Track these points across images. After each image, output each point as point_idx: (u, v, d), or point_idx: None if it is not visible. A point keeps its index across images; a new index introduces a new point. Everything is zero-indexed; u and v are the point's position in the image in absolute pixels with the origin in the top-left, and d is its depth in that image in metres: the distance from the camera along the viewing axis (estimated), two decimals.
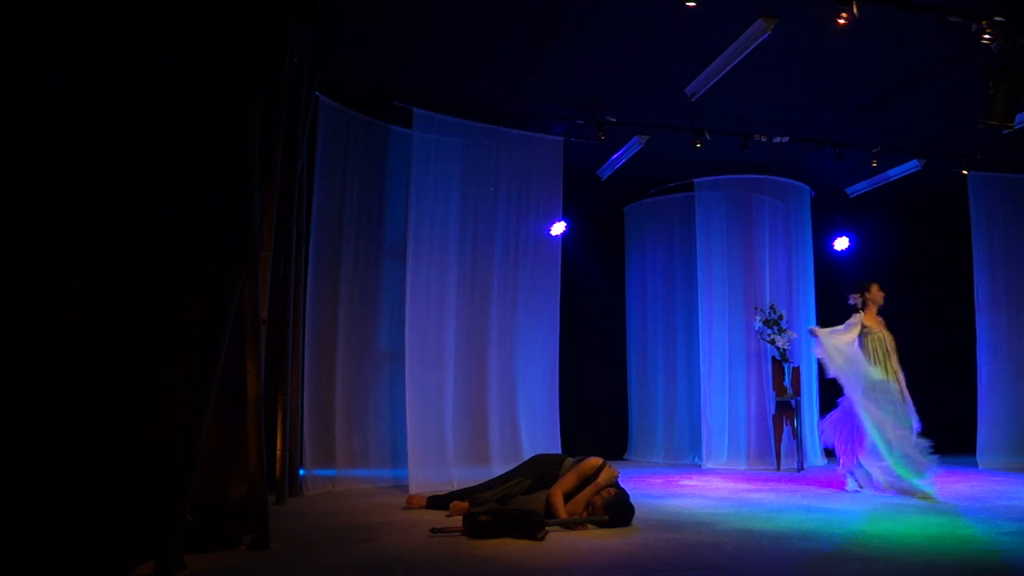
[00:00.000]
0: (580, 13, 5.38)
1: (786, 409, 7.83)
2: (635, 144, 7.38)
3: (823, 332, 6.03)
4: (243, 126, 3.68)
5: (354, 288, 6.43)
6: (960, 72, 6.15)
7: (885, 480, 5.70)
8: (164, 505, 3.00)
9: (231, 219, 3.63)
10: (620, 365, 9.51)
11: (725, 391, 8.10)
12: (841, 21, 4.95)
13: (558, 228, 7.29)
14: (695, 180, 8.47)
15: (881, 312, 6.15)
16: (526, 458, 5.54)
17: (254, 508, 3.68)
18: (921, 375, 6.61)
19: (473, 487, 5.08)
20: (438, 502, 4.97)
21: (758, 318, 7.89)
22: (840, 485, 6.03)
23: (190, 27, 3.58)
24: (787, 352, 7.83)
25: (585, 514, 4.37)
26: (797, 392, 7.84)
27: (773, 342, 7.81)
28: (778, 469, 7.65)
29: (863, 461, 5.85)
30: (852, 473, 5.92)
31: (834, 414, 6.02)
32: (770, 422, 7.91)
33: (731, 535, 4.05)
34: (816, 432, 8.31)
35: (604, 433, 9.17)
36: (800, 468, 7.61)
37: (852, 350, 5.95)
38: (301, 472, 5.73)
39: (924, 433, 5.76)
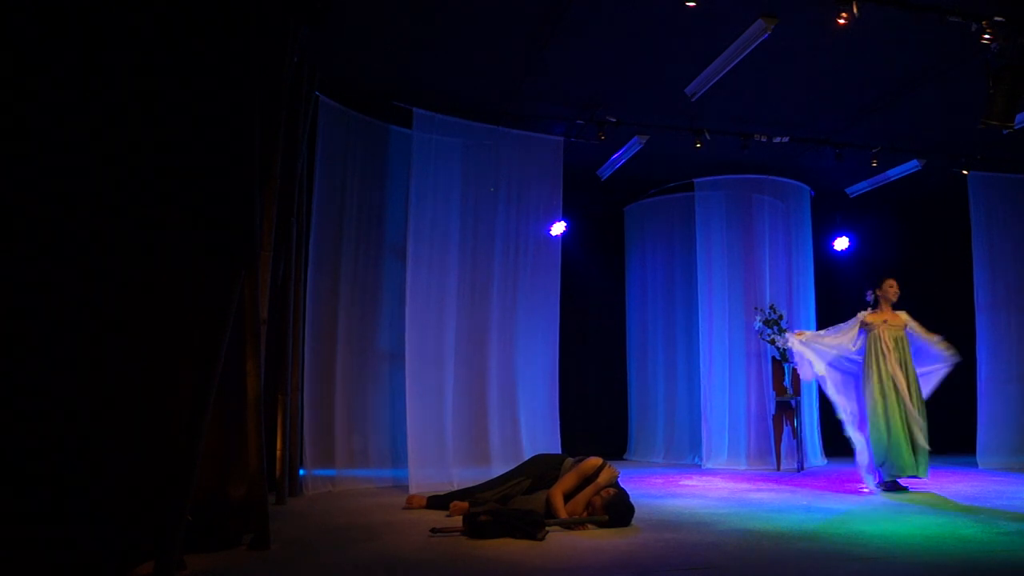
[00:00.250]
0: (580, 13, 5.38)
1: (786, 409, 7.83)
2: (635, 144, 7.38)
3: (802, 340, 6.15)
4: (243, 126, 3.68)
5: (354, 288, 6.43)
6: (960, 72, 6.15)
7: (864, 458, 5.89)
8: (164, 505, 3.00)
9: (231, 219, 3.63)
10: (620, 365, 9.52)
11: (725, 391, 8.10)
12: (841, 21, 4.95)
13: (558, 228, 7.29)
14: (695, 180, 8.48)
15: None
16: (526, 458, 5.54)
17: (254, 508, 3.68)
18: None
19: (473, 487, 5.08)
20: (438, 502, 4.97)
21: (758, 318, 7.89)
22: (842, 485, 6.03)
23: (190, 27, 3.58)
24: (787, 352, 7.81)
25: (585, 514, 4.37)
26: (797, 392, 7.84)
27: (773, 342, 7.81)
28: (778, 469, 7.65)
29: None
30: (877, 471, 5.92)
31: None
32: (770, 422, 7.91)
33: (731, 535, 4.05)
34: (816, 432, 8.33)
35: (604, 433, 9.17)
36: (800, 468, 7.61)
37: (831, 350, 6.08)
38: (301, 472, 5.73)
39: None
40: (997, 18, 5.12)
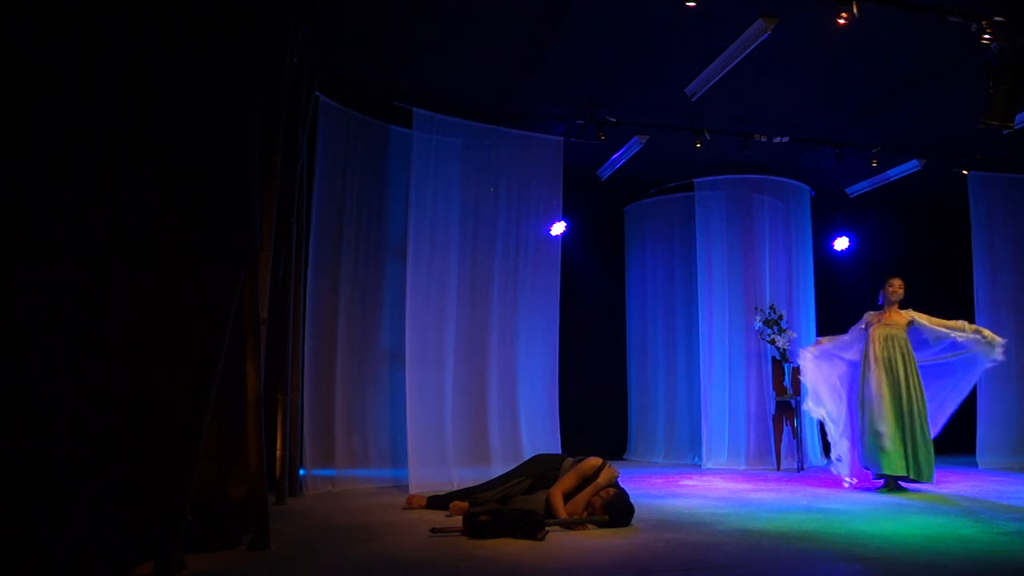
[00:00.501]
0: (580, 13, 5.38)
1: (786, 409, 7.83)
2: (635, 144, 7.38)
3: (815, 354, 6.19)
4: (243, 126, 3.68)
5: (354, 288, 6.43)
6: (960, 72, 6.15)
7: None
8: (164, 505, 3.00)
9: (231, 219, 3.63)
10: (620, 365, 9.52)
11: (725, 391, 8.10)
12: (841, 21, 4.95)
13: (558, 228, 7.29)
14: (695, 180, 8.48)
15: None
16: (526, 458, 5.54)
17: (254, 508, 3.68)
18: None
19: (473, 487, 5.08)
20: (438, 502, 4.97)
21: (758, 318, 7.89)
22: (842, 485, 6.03)
23: (190, 27, 3.58)
24: (787, 352, 7.83)
25: (585, 514, 4.37)
26: (797, 392, 7.83)
27: (773, 342, 7.81)
28: (778, 469, 7.66)
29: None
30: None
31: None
32: (770, 422, 7.91)
33: (731, 535, 4.05)
34: (816, 432, 8.32)
35: (604, 433, 9.17)
36: (800, 468, 7.61)
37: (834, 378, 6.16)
38: (301, 472, 5.72)
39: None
40: (997, 18, 5.12)
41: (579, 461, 4.66)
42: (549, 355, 7.11)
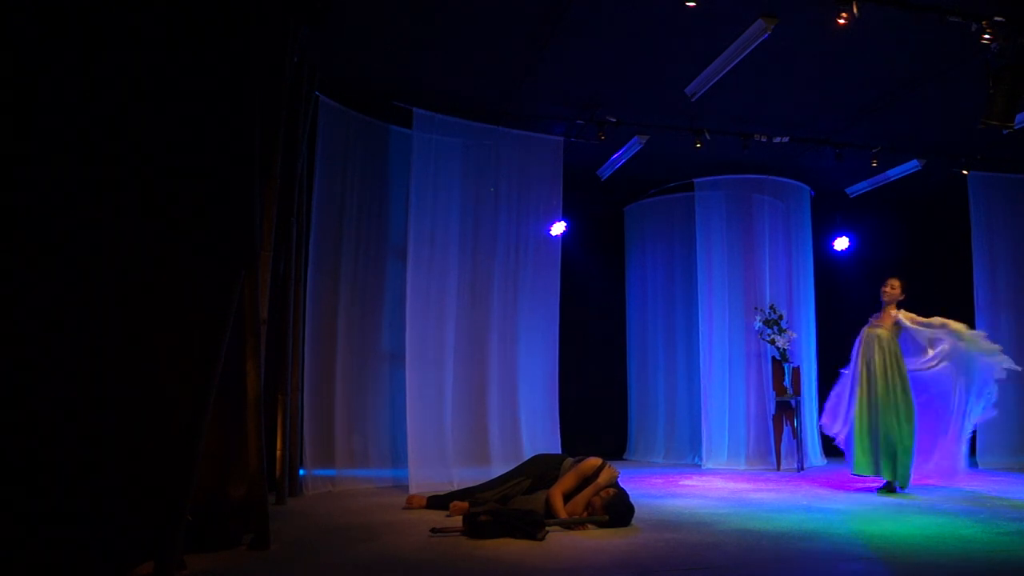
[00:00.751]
0: (580, 13, 5.38)
1: (786, 409, 7.83)
2: (635, 144, 7.38)
3: None
4: (243, 126, 3.68)
5: (354, 288, 6.43)
6: (960, 72, 6.15)
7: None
8: (164, 505, 2.99)
9: (231, 219, 3.63)
10: (620, 365, 9.51)
11: (725, 391, 8.10)
12: (841, 21, 4.94)
13: (558, 228, 7.29)
14: (695, 180, 8.47)
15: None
16: (526, 458, 5.54)
17: (254, 508, 3.68)
18: None
19: (473, 487, 5.08)
20: (438, 502, 4.97)
21: (758, 318, 7.89)
22: (842, 485, 6.03)
23: (190, 27, 3.58)
24: (787, 352, 7.83)
25: (585, 514, 4.37)
26: (797, 392, 7.84)
27: (773, 342, 7.81)
28: (778, 469, 7.66)
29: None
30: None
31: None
32: (770, 422, 7.91)
33: (731, 535, 4.05)
34: (816, 432, 8.32)
35: (604, 433, 9.17)
36: (800, 468, 7.61)
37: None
38: (301, 472, 5.72)
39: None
40: (997, 18, 5.11)
41: (579, 461, 4.66)
42: (549, 355, 7.11)
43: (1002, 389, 7.87)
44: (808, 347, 8.45)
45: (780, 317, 7.88)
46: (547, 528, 4.07)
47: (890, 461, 5.68)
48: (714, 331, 8.20)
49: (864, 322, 6.14)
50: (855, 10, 4.87)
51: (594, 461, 4.61)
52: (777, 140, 7.50)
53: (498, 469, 5.96)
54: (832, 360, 8.09)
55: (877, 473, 5.70)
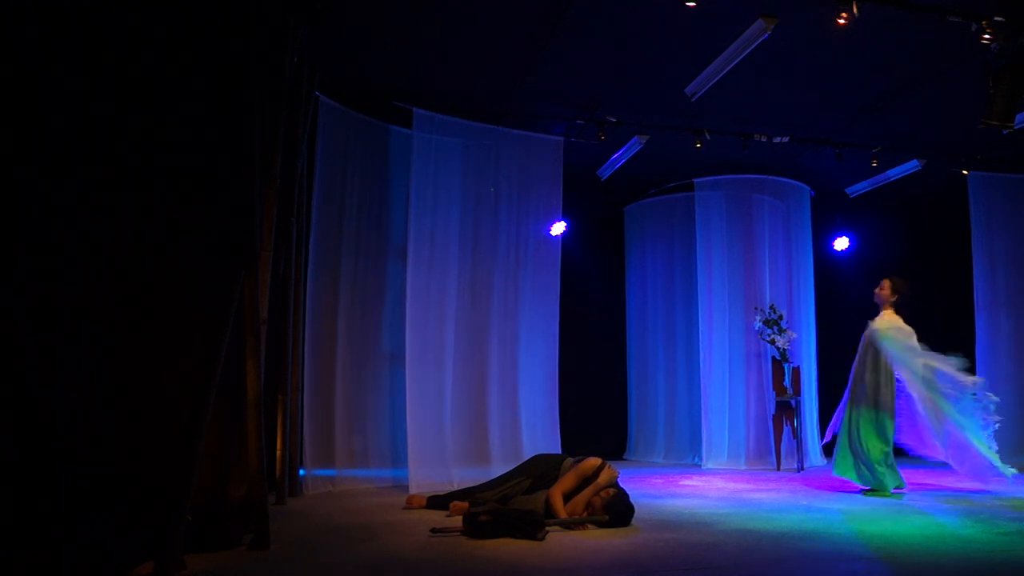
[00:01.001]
0: (580, 13, 5.38)
1: (786, 409, 7.83)
2: (635, 144, 7.38)
3: None
4: (243, 126, 3.68)
5: (354, 288, 6.43)
6: (960, 72, 6.15)
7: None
8: (164, 505, 2.99)
9: (231, 219, 3.63)
10: (620, 365, 9.51)
11: (725, 391, 8.10)
12: (841, 21, 4.94)
13: (558, 228, 7.29)
14: (695, 180, 8.47)
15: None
16: (526, 458, 5.54)
17: (254, 508, 3.68)
18: None
19: (473, 487, 5.07)
20: (438, 502, 4.97)
21: (758, 318, 7.89)
22: (842, 485, 6.03)
23: (190, 27, 3.58)
24: (787, 352, 7.83)
25: (585, 514, 4.37)
26: (797, 392, 7.84)
27: (773, 342, 7.81)
28: (778, 469, 7.66)
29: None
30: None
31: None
32: (770, 422, 7.91)
33: (731, 535, 4.05)
34: (816, 432, 8.32)
35: (604, 433, 9.17)
36: (800, 468, 7.61)
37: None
38: (301, 472, 5.72)
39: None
40: (997, 18, 5.11)
41: (579, 461, 4.66)
42: (549, 355, 7.11)
43: (1002, 389, 7.90)
44: (808, 347, 8.45)
45: (780, 317, 7.88)
46: (547, 528, 4.07)
47: (863, 468, 5.68)
48: (714, 331, 8.20)
49: (865, 324, 6.13)
50: (855, 10, 4.87)
51: (594, 461, 4.61)
52: (777, 140, 7.50)
53: (498, 469, 5.96)
54: (832, 360, 8.11)
55: (855, 478, 5.71)
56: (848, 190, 9.04)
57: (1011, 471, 5.49)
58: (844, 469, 5.78)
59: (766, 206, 8.38)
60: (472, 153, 6.89)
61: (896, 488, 5.67)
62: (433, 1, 5.29)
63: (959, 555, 3.56)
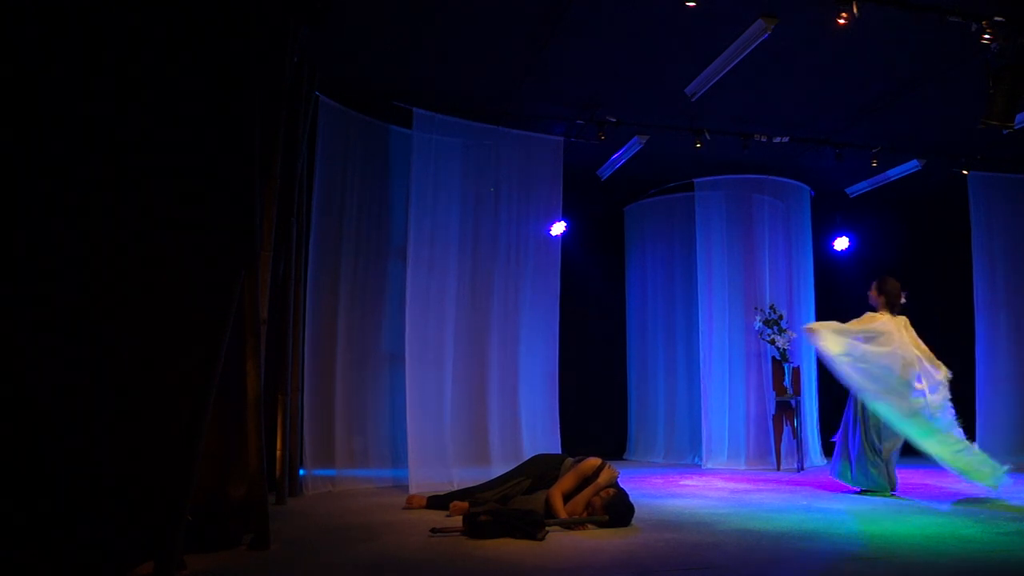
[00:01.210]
0: (580, 13, 5.38)
1: (786, 409, 7.83)
2: (635, 144, 7.38)
3: None
4: (243, 126, 3.68)
5: (354, 288, 6.43)
6: (960, 72, 6.15)
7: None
8: (164, 505, 2.99)
9: (231, 219, 3.63)
10: (620, 365, 9.51)
11: (725, 391, 8.10)
12: (841, 21, 4.95)
13: (558, 228, 7.29)
14: (695, 180, 8.47)
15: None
16: (526, 458, 5.54)
17: (254, 508, 3.68)
18: None
19: (473, 487, 5.07)
20: (438, 502, 4.97)
21: (758, 318, 7.89)
22: (842, 485, 6.03)
23: (190, 27, 3.58)
24: (787, 352, 7.83)
25: (585, 514, 4.37)
26: (797, 392, 7.84)
27: (773, 342, 7.81)
28: (778, 469, 7.66)
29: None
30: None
31: None
32: (770, 422, 7.91)
33: (731, 535, 4.05)
34: (816, 432, 8.32)
35: (604, 433, 9.17)
36: (800, 468, 7.61)
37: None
38: (301, 472, 5.72)
39: None
40: (997, 18, 5.11)
41: (579, 461, 4.66)
42: (549, 355, 7.11)
43: (1001, 389, 7.91)
44: (808, 347, 8.40)
45: (780, 317, 7.88)
46: (547, 528, 4.07)
47: (859, 469, 5.66)
48: (714, 331, 8.20)
49: None
50: (855, 10, 4.87)
51: (594, 461, 4.61)
52: (777, 140, 7.50)
53: (498, 469, 5.96)
54: None
55: (851, 481, 5.71)
56: (848, 190, 9.05)
57: (1002, 473, 5.43)
58: (839, 472, 5.78)
59: (766, 206, 8.38)
60: (472, 153, 6.89)
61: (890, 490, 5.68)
62: (433, 1, 5.29)
63: (959, 555, 3.56)
